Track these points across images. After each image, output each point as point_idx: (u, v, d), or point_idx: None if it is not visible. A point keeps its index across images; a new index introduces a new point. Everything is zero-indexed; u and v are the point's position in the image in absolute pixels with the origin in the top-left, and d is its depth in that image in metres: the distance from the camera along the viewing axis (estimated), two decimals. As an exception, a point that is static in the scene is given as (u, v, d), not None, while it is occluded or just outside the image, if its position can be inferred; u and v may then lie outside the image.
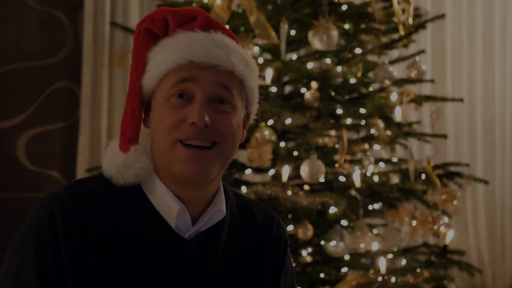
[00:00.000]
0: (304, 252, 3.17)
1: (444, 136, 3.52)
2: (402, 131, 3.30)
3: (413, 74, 3.40)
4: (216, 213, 1.28)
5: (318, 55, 3.24)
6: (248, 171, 3.28)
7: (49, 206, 1.19)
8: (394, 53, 4.13)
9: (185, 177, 1.21)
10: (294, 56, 3.48)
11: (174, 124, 1.20)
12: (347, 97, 3.29)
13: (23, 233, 1.20)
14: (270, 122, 3.11)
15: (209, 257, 1.26)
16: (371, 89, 3.36)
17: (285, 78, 3.34)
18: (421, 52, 3.58)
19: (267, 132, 3.03)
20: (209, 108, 1.21)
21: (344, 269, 3.11)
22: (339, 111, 3.13)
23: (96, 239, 1.19)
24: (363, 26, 3.35)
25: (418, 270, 3.20)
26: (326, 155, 3.22)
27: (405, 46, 3.39)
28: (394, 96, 3.27)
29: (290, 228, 3.10)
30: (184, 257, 1.24)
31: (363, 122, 3.33)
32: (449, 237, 3.22)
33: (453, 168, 3.46)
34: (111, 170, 1.25)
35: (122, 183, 1.24)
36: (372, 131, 3.28)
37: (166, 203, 1.24)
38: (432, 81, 3.78)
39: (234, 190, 1.41)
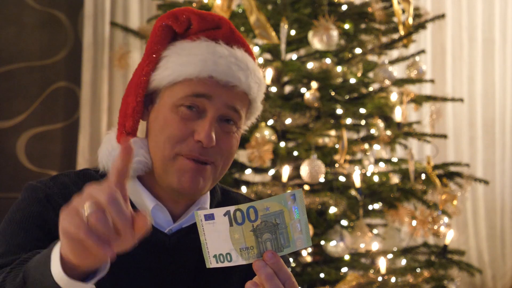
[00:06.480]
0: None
1: (444, 136, 3.51)
2: (402, 131, 3.30)
3: (413, 74, 3.40)
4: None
5: (318, 55, 3.24)
6: (248, 171, 3.28)
7: (35, 188, 1.22)
8: (394, 53, 4.13)
9: (177, 190, 1.21)
10: (294, 56, 3.48)
11: (181, 136, 1.20)
12: (347, 97, 3.29)
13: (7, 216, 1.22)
14: (270, 122, 3.11)
15: (190, 253, 1.26)
16: (371, 89, 3.36)
17: (285, 78, 3.34)
18: (421, 52, 3.58)
19: (267, 132, 3.03)
20: (217, 126, 1.21)
21: (344, 269, 3.11)
22: (339, 111, 3.13)
23: None
24: (363, 26, 3.35)
25: (418, 270, 3.20)
26: (326, 155, 3.22)
27: (405, 46, 3.39)
28: (394, 96, 3.27)
29: (290, 228, 3.10)
30: (162, 252, 1.23)
31: (363, 122, 3.33)
32: (449, 237, 3.22)
33: (453, 168, 3.46)
34: (108, 163, 1.24)
35: None
36: (372, 131, 3.28)
37: (141, 200, 1.24)
38: (432, 81, 3.78)
39: (224, 187, 1.40)
